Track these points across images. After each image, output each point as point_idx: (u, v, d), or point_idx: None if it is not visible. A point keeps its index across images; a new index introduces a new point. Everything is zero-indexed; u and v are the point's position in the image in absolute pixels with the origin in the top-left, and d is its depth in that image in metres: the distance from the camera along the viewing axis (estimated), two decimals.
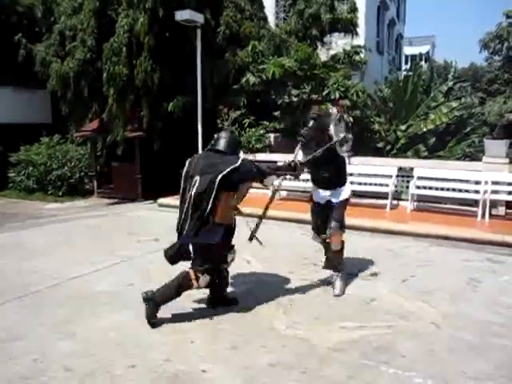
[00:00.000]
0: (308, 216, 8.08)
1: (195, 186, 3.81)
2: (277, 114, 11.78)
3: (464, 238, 6.80)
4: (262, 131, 10.86)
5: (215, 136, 4.12)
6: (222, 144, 4.00)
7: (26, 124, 14.78)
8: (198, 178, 3.83)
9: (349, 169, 9.27)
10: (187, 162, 4.04)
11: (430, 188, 8.62)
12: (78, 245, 6.57)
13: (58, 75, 12.38)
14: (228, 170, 3.76)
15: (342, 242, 4.89)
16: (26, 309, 4.26)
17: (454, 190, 8.45)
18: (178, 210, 4.06)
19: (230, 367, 3.24)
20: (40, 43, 13.55)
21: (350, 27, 13.69)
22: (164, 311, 4.19)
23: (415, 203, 8.74)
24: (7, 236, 7.25)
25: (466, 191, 8.40)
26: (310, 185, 9.60)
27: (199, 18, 10.16)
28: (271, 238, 6.97)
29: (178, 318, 4.05)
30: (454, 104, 13.16)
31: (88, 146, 13.87)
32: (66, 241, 6.80)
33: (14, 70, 14.08)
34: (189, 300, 4.44)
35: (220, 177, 3.73)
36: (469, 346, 3.56)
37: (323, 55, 13.56)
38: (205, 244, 3.88)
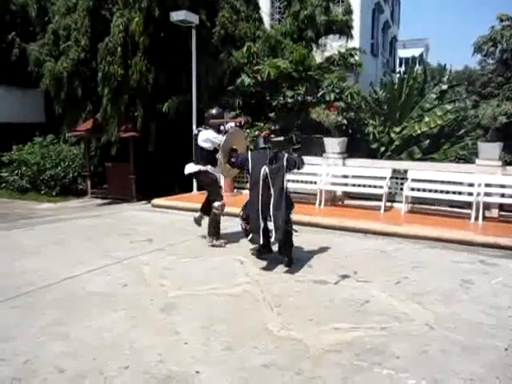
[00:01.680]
0: (300, 217, 8.11)
1: (268, 173, 5.33)
2: (271, 115, 11.79)
3: (457, 239, 6.83)
4: (256, 132, 10.85)
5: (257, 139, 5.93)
6: (262, 144, 5.66)
7: (19, 123, 14.70)
8: (265, 167, 5.35)
9: (342, 170, 9.40)
10: (250, 159, 5.52)
11: (424, 190, 8.66)
12: (71, 245, 6.53)
13: (51, 75, 12.32)
14: (286, 157, 5.50)
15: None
16: (18, 310, 4.22)
17: (447, 192, 8.48)
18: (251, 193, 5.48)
19: (224, 368, 3.23)
20: (34, 42, 13.49)
21: (344, 29, 13.74)
22: (156, 312, 4.18)
23: (409, 205, 8.77)
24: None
25: (460, 193, 8.44)
26: (304, 186, 9.64)
27: (194, 18, 10.16)
28: None
29: (171, 318, 4.03)
30: (449, 107, 13.19)
31: (81, 145, 13.81)
32: (59, 241, 6.75)
33: (6, 69, 14.01)
34: (181, 300, 4.43)
35: (285, 163, 5.45)
36: (462, 347, 3.57)
37: (318, 57, 13.59)
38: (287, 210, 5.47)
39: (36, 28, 14.14)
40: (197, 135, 6.44)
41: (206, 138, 6.31)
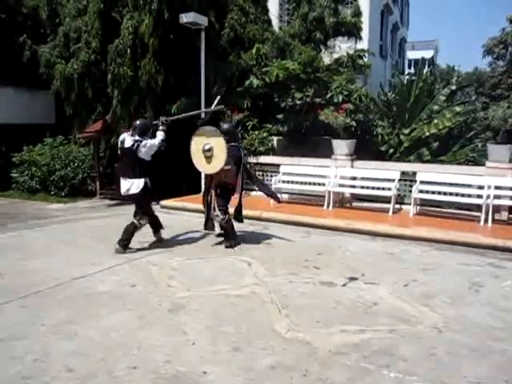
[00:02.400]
0: (308, 219, 8.12)
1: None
2: (280, 116, 11.79)
3: (466, 242, 6.79)
4: (265, 134, 10.87)
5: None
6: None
7: (30, 124, 14.81)
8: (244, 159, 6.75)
9: (351, 172, 9.38)
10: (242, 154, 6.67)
11: (433, 192, 8.62)
12: (81, 245, 6.58)
13: (62, 76, 12.42)
14: None
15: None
16: (28, 309, 4.27)
17: (456, 194, 8.43)
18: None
19: (231, 369, 3.24)
20: (45, 44, 13.59)
21: (353, 31, 13.72)
22: (164, 312, 4.20)
23: (418, 207, 8.73)
24: (10, 236, 7.27)
25: (469, 196, 8.38)
26: (312, 188, 9.63)
27: (203, 20, 10.19)
28: (272, 240, 7.01)
29: (179, 319, 4.06)
30: (458, 109, 13.11)
31: (91, 146, 13.90)
32: (69, 241, 6.81)
33: (18, 71, 14.13)
34: (189, 300, 4.45)
35: None
36: (470, 350, 3.55)
37: (327, 59, 13.58)
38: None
39: (47, 30, 14.25)
40: (134, 145, 6.05)
41: (151, 144, 6.11)
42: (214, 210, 6.47)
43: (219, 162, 6.24)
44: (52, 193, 13.15)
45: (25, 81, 14.39)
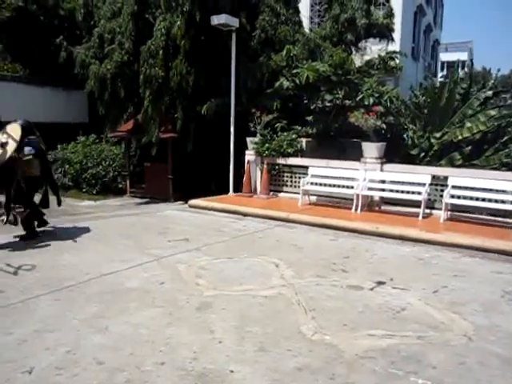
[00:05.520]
0: (336, 221, 8.05)
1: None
2: (309, 118, 11.76)
3: (499, 249, 6.61)
4: (294, 136, 10.85)
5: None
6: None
7: (64, 123, 15.24)
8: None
9: (380, 175, 9.26)
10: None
11: (465, 198, 8.42)
12: (111, 242, 6.72)
13: (96, 76, 12.74)
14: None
15: None
16: (61, 302, 4.39)
17: (489, 200, 8.22)
18: None
19: (258, 369, 3.25)
20: (80, 46, 13.97)
21: (385, 32, 13.58)
22: (192, 310, 4.25)
23: (449, 212, 8.56)
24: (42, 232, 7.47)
25: (503, 202, 8.16)
26: (341, 190, 9.55)
27: (234, 22, 10.28)
28: (299, 241, 7.00)
29: (206, 317, 4.10)
30: (493, 112, 12.76)
31: (122, 145, 14.19)
32: (99, 238, 6.96)
33: (54, 71, 14.58)
34: (216, 299, 4.49)
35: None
36: (503, 361, 3.46)
37: (358, 60, 13.46)
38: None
39: (82, 32, 14.66)
40: None
41: None
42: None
43: (10, 147, 6.51)
44: (84, 190, 13.50)
45: (61, 81, 14.83)
